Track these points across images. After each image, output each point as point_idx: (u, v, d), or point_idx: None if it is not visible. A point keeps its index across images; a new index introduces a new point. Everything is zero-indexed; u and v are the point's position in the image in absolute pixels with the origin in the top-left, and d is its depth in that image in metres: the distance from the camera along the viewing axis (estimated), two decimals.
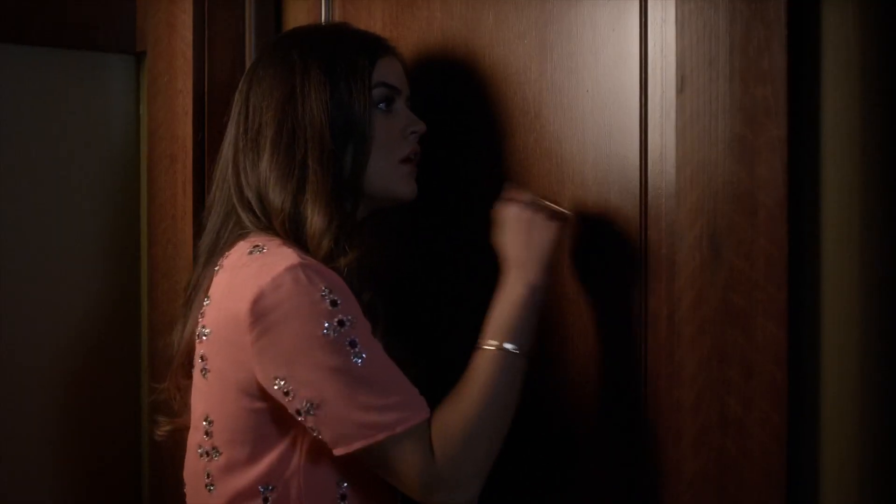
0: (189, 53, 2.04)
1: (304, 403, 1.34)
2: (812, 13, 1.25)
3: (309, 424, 1.35)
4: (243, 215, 1.48)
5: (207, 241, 1.53)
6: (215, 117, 1.97)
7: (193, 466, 1.49)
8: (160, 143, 2.12)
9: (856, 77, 1.23)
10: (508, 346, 1.39)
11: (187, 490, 1.52)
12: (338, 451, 1.35)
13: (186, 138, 2.04)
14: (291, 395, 1.34)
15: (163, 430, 1.63)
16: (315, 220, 1.43)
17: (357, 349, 1.34)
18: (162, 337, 1.57)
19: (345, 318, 1.34)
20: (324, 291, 1.34)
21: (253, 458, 1.41)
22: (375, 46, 1.53)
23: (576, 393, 1.51)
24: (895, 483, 1.24)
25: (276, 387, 1.35)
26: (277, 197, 1.45)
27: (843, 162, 1.23)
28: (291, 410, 1.36)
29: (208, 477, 1.45)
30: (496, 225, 1.47)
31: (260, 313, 1.34)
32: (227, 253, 1.46)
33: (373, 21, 1.81)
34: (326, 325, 1.33)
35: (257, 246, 1.41)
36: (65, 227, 2.23)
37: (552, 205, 1.46)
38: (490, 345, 1.40)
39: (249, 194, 1.48)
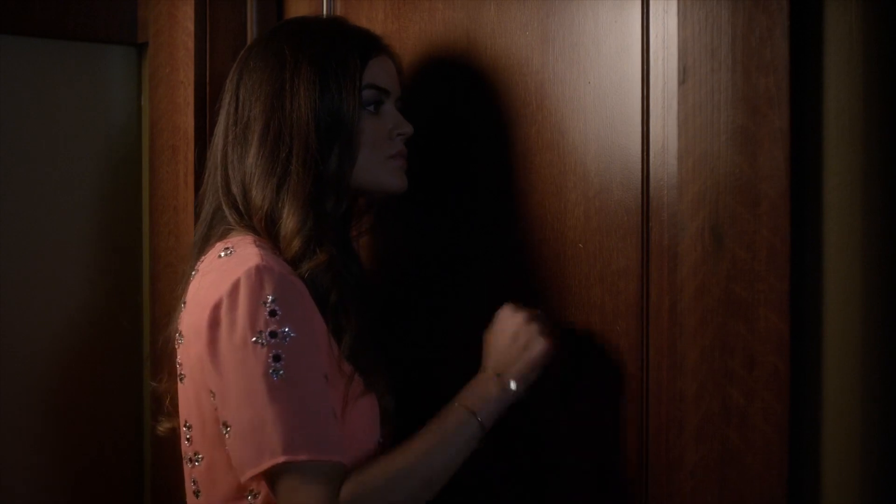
0: (190, 44, 2.03)
1: (224, 423, 1.32)
2: (814, 3, 1.25)
3: (227, 446, 1.32)
4: (227, 212, 1.46)
5: (198, 237, 1.51)
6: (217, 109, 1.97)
7: (185, 474, 1.48)
8: (162, 135, 2.12)
9: (858, 67, 1.22)
10: (475, 416, 1.37)
11: (187, 497, 1.49)
12: (246, 476, 1.30)
13: (188, 129, 2.04)
14: (218, 411, 1.33)
15: (163, 427, 1.60)
16: (289, 220, 1.41)
17: (279, 364, 1.29)
18: (163, 330, 1.56)
19: (279, 331, 1.30)
20: (267, 299, 1.31)
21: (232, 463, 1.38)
22: (369, 46, 1.51)
23: (578, 384, 1.51)
24: None
25: (212, 401, 1.34)
26: (259, 194, 1.43)
27: (846, 152, 1.23)
28: (222, 429, 1.33)
29: (195, 483, 1.43)
30: (491, 322, 1.46)
31: (212, 323, 1.33)
32: (203, 257, 1.45)
33: (374, 12, 1.81)
34: (259, 332, 1.30)
35: (228, 248, 1.40)
36: (66, 219, 2.23)
37: (546, 323, 1.44)
38: (458, 406, 1.37)
39: (235, 190, 1.46)
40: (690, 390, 1.33)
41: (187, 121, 2.04)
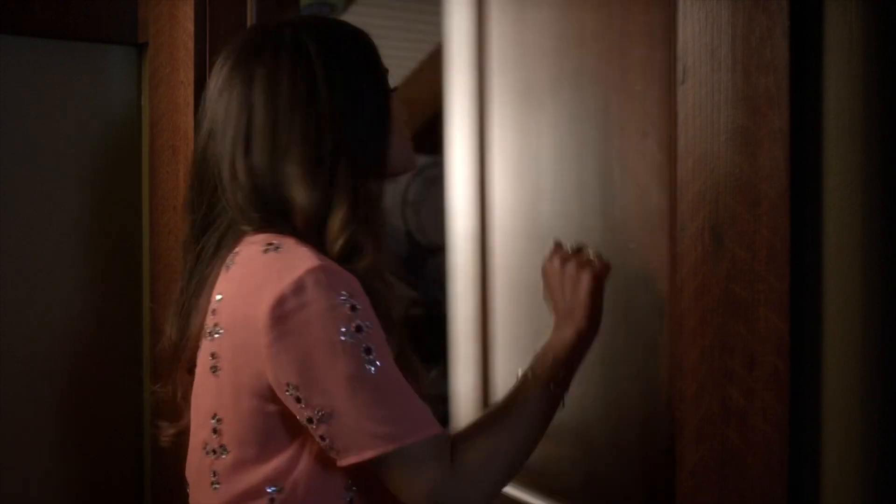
0: (191, 45, 2.04)
1: (316, 412, 1.32)
2: (814, 3, 1.25)
3: (319, 433, 1.33)
4: (250, 213, 1.44)
5: (212, 242, 1.48)
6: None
7: (198, 464, 1.47)
8: (162, 135, 2.12)
9: (858, 67, 1.22)
10: (553, 385, 1.44)
11: (191, 489, 1.50)
12: (348, 461, 1.33)
13: (188, 129, 2.04)
14: (303, 402, 1.33)
15: (166, 434, 1.60)
16: (338, 216, 1.41)
17: (372, 356, 1.32)
18: (163, 330, 1.56)
19: (362, 324, 1.33)
20: (343, 295, 1.33)
21: (261, 459, 1.39)
22: (364, 32, 1.52)
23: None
24: None
25: (288, 393, 1.34)
26: (303, 194, 1.42)
27: (846, 152, 1.23)
28: (302, 418, 1.34)
29: (214, 475, 1.43)
30: (543, 282, 1.51)
31: (279, 317, 1.32)
32: (236, 249, 1.44)
33: None
34: (344, 329, 1.31)
35: (271, 244, 1.39)
36: (66, 219, 2.23)
37: (584, 253, 1.50)
38: (538, 378, 1.44)
39: (266, 192, 1.43)
40: (690, 390, 1.33)
41: (187, 121, 2.04)
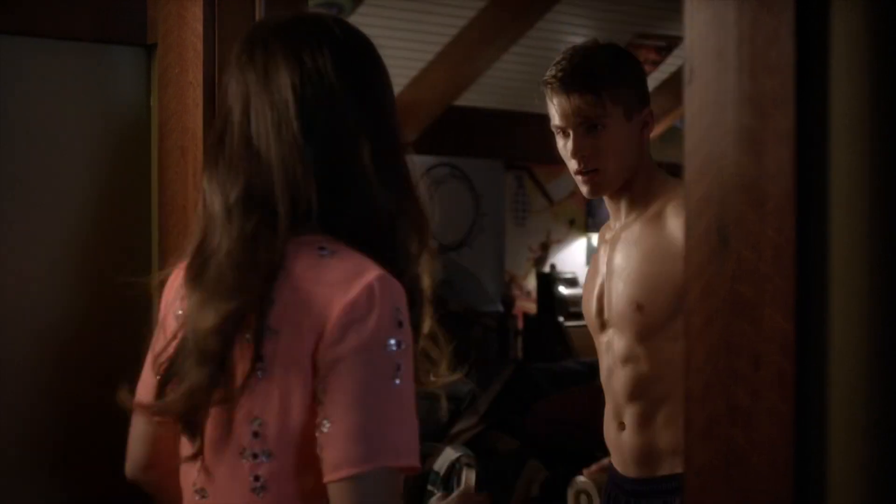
0: (199, 45, 2.04)
1: (324, 416, 1.34)
2: (821, 3, 1.25)
3: (321, 440, 1.34)
4: (321, 218, 1.40)
5: (238, 250, 1.39)
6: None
7: (230, 471, 1.42)
8: (171, 135, 2.13)
9: (865, 68, 1.23)
10: None
11: (211, 496, 1.45)
12: (338, 475, 1.32)
13: (197, 130, 2.05)
14: (325, 405, 1.34)
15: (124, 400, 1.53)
16: (408, 224, 1.43)
17: (400, 372, 1.34)
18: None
19: (403, 340, 1.34)
20: (398, 308, 1.35)
21: (315, 463, 1.37)
22: None
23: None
24: None
25: (318, 392, 1.35)
26: (382, 200, 1.41)
27: (852, 152, 1.23)
28: (318, 418, 1.35)
29: (257, 479, 1.39)
30: None
31: (347, 322, 1.33)
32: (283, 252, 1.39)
33: None
34: (390, 340, 1.33)
35: (324, 248, 1.39)
36: (74, 219, 2.24)
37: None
38: None
39: (370, 207, 1.41)
40: (696, 390, 1.34)
41: (196, 121, 2.05)
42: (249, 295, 1.37)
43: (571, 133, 2.17)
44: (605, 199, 2.29)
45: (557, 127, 2.20)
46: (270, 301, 1.37)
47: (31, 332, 2.18)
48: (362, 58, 1.45)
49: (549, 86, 2.18)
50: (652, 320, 2.14)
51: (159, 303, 1.63)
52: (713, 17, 1.31)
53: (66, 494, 2.24)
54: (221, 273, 1.40)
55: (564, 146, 2.20)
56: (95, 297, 2.24)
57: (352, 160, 1.40)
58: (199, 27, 2.05)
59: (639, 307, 2.15)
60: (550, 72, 2.18)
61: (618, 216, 2.29)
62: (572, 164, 2.19)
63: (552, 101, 2.19)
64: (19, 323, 2.17)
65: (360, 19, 4.50)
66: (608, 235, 2.33)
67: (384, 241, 1.42)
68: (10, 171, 2.15)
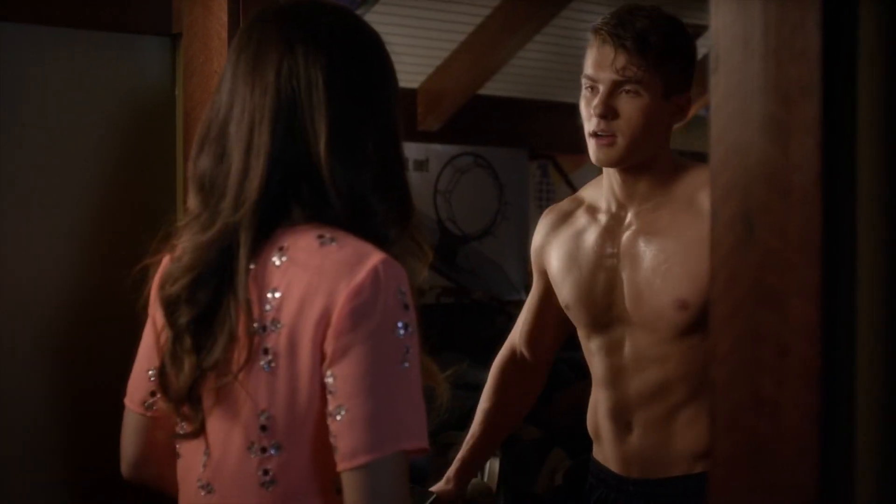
0: (224, 34, 2.05)
1: (336, 405, 1.34)
2: None
3: (334, 428, 1.34)
4: (307, 207, 1.41)
5: (249, 237, 1.40)
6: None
7: (238, 465, 1.43)
8: (196, 125, 2.14)
9: (892, 56, 1.22)
10: None
11: (217, 492, 1.45)
12: (354, 462, 1.33)
13: None
14: (335, 394, 1.34)
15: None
16: (388, 206, 1.43)
17: (408, 355, 1.34)
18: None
19: (410, 323, 1.35)
20: (402, 292, 1.35)
21: (324, 453, 1.38)
22: None
23: None
24: None
25: (328, 380, 1.35)
26: (378, 198, 1.42)
27: (878, 141, 1.23)
28: (330, 406, 1.35)
29: (266, 473, 1.40)
30: None
31: (354, 310, 1.33)
32: (282, 244, 1.40)
33: None
34: (398, 324, 1.34)
35: (322, 236, 1.39)
36: (101, 209, 2.25)
37: None
38: None
39: (335, 192, 1.40)
40: (722, 379, 1.33)
41: None
42: (206, 268, 1.41)
43: (602, 88, 2.03)
44: (616, 178, 2.12)
45: (589, 77, 2.06)
46: (277, 297, 1.39)
47: (48, 319, 2.19)
48: (357, 48, 1.45)
49: (598, 33, 2.04)
50: (696, 319, 2.00)
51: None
52: (739, 5, 1.30)
53: (67, 490, 2.24)
54: (184, 250, 1.46)
55: (589, 102, 2.06)
56: (119, 286, 2.25)
57: (339, 166, 1.40)
58: (224, 16, 2.06)
59: (683, 305, 2.02)
60: (604, 18, 2.04)
61: (630, 199, 2.12)
62: (590, 124, 2.04)
63: (593, 49, 2.05)
64: (38, 306, 2.18)
65: (383, 9, 4.49)
66: (604, 220, 2.17)
67: (358, 227, 1.40)
68: (35, 161, 2.16)
